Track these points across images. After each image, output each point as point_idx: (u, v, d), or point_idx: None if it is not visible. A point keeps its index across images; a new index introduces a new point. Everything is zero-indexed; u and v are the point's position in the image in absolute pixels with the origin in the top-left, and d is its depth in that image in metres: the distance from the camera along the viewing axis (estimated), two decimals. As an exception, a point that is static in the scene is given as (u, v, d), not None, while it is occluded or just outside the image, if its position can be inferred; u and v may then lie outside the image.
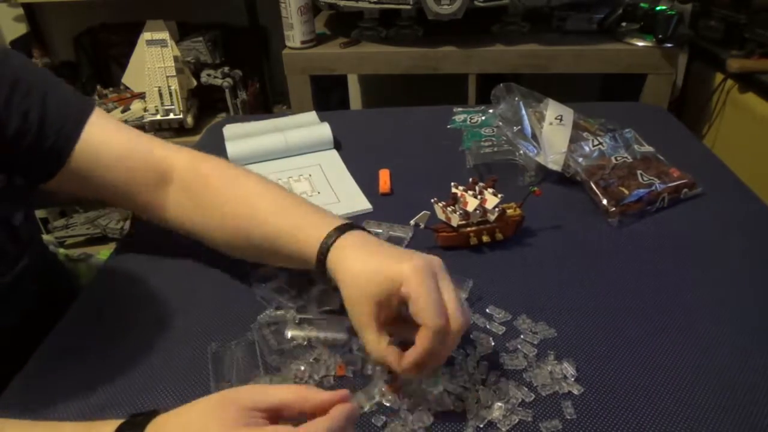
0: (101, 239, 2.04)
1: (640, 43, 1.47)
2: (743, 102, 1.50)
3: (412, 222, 0.67)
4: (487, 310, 0.62)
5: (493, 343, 0.58)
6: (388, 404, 0.52)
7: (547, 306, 0.63)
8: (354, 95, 2.14)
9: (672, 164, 0.84)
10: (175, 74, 1.88)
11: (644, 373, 0.54)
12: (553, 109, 0.89)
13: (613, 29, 1.51)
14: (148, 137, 0.68)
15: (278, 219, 0.60)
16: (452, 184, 0.72)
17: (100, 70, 2.24)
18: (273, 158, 0.97)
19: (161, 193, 0.66)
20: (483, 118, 0.99)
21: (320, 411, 0.41)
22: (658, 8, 1.45)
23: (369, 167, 0.91)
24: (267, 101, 2.13)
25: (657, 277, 0.67)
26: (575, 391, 0.53)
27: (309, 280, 0.64)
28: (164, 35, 1.88)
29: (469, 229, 0.71)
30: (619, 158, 0.83)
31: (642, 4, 1.47)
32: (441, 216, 0.72)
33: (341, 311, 0.61)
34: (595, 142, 0.85)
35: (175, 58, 1.89)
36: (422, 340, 0.47)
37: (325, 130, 1.00)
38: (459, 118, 1.02)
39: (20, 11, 2.15)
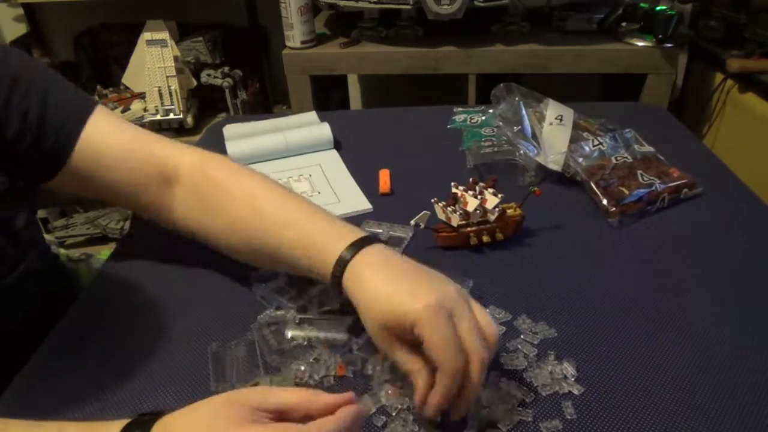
0: (101, 239, 2.04)
1: (640, 43, 1.47)
2: (743, 102, 1.50)
3: (412, 222, 0.67)
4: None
5: (493, 343, 0.58)
6: (388, 403, 0.52)
7: (547, 306, 0.63)
8: (354, 95, 2.14)
9: (672, 164, 0.84)
10: (175, 74, 1.88)
11: (644, 373, 0.54)
12: (553, 109, 0.89)
13: (613, 29, 1.51)
14: (153, 136, 0.67)
15: (289, 230, 0.58)
16: (452, 184, 0.72)
17: (100, 70, 2.24)
18: (273, 158, 0.97)
19: (166, 193, 0.65)
20: (483, 118, 0.99)
21: (326, 414, 0.41)
22: (658, 8, 1.45)
23: (369, 167, 0.91)
24: (267, 101, 2.13)
25: (657, 277, 0.67)
26: (575, 391, 0.53)
27: (309, 280, 0.64)
28: (164, 35, 1.88)
29: (469, 229, 0.71)
30: (619, 158, 0.83)
31: (642, 4, 1.47)
32: (441, 216, 0.72)
33: (341, 311, 0.61)
34: (595, 142, 0.85)
35: (175, 58, 1.89)
36: (440, 384, 0.46)
37: (325, 130, 1.00)
38: (459, 118, 1.02)
39: (20, 11, 2.15)
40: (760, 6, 1.46)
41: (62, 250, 0.94)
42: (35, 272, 0.66)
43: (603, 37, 1.52)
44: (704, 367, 0.55)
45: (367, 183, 0.88)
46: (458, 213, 0.69)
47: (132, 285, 0.70)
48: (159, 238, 0.72)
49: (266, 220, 0.60)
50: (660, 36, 1.41)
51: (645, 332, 0.59)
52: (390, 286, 0.49)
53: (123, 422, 0.42)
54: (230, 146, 0.96)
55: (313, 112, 1.09)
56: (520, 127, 0.87)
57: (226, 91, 2.01)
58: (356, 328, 0.58)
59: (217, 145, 1.00)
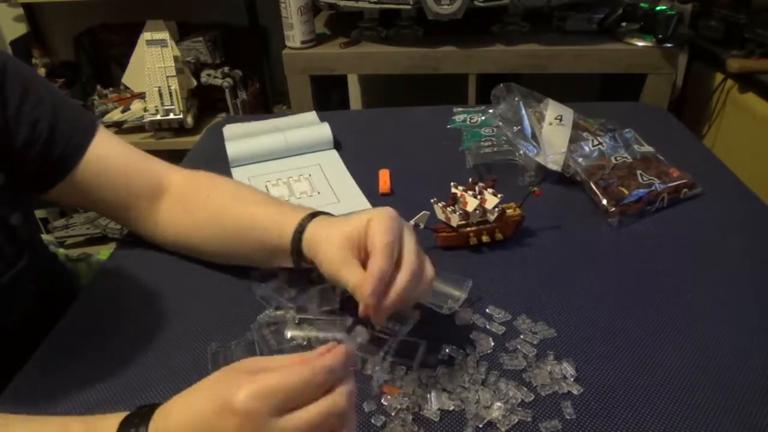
0: (101, 239, 2.05)
1: (640, 43, 1.47)
2: (743, 102, 1.50)
3: (411, 222, 0.67)
4: (487, 310, 0.62)
5: (492, 344, 0.58)
6: (387, 403, 0.52)
7: (547, 306, 0.63)
8: (354, 95, 2.14)
9: (672, 164, 0.84)
10: (175, 74, 1.88)
11: (644, 373, 0.54)
12: (553, 109, 0.89)
13: (613, 29, 1.51)
14: (147, 155, 0.72)
15: (256, 209, 0.64)
16: (452, 184, 0.72)
17: (100, 70, 2.24)
18: (273, 158, 0.97)
19: (155, 206, 0.69)
20: (483, 118, 0.99)
21: None
22: (658, 8, 1.45)
23: (369, 167, 0.91)
24: (267, 101, 2.13)
25: (657, 277, 0.67)
26: (575, 391, 0.53)
27: (309, 280, 0.64)
28: (164, 35, 1.88)
29: (468, 229, 0.71)
30: (618, 158, 0.83)
31: (642, 4, 1.47)
32: (441, 216, 0.72)
33: (341, 311, 0.61)
34: (595, 142, 0.85)
35: (175, 58, 1.89)
36: (371, 267, 0.49)
37: (325, 130, 1.00)
38: (459, 118, 1.02)
39: (20, 11, 2.16)
40: (760, 6, 1.46)
41: (61, 250, 0.94)
42: (33, 271, 0.66)
43: (603, 37, 1.52)
44: (704, 367, 0.55)
45: (366, 183, 0.88)
46: (458, 213, 0.69)
47: (132, 285, 0.70)
48: (159, 238, 0.72)
49: (239, 206, 0.66)
50: (660, 36, 1.41)
51: (644, 332, 0.59)
52: (347, 218, 0.55)
53: (123, 414, 0.42)
54: (230, 146, 0.96)
55: (313, 112, 1.09)
56: (519, 127, 0.87)
57: (226, 91, 2.01)
58: (356, 328, 0.59)
59: (217, 145, 1.00)
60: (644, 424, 0.49)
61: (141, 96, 1.98)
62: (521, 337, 0.59)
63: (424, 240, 0.72)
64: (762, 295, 0.64)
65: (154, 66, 1.88)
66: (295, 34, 1.56)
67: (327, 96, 1.77)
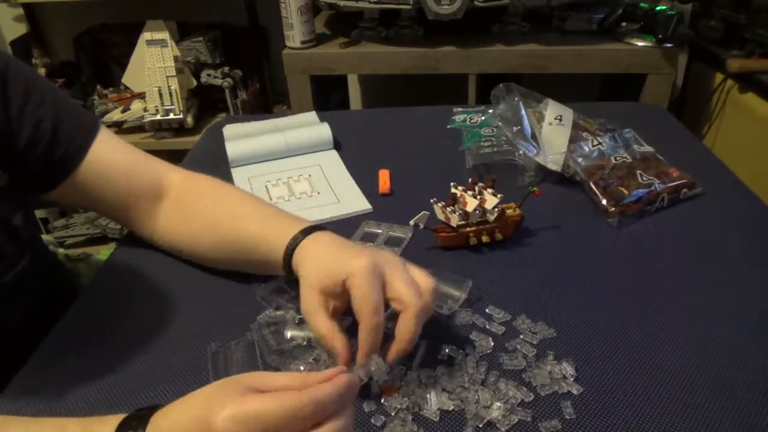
0: (101, 239, 2.04)
1: (640, 43, 1.47)
2: (743, 102, 1.50)
3: (411, 222, 0.67)
4: (487, 310, 0.62)
5: (492, 344, 0.58)
6: (387, 403, 0.52)
7: (547, 306, 0.63)
8: (354, 95, 2.14)
9: (672, 164, 0.84)
10: (175, 74, 1.88)
11: (643, 373, 0.54)
12: (552, 109, 0.89)
13: (613, 29, 1.51)
14: (147, 155, 0.72)
15: (251, 223, 0.63)
16: (452, 184, 0.72)
17: (100, 70, 2.25)
18: (273, 158, 0.97)
19: (155, 207, 0.69)
20: (483, 118, 0.99)
21: None
22: (658, 8, 1.45)
23: (369, 167, 0.91)
24: (267, 101, 2.13)
25: (656, 277, 0.67)
26: (574, 391, 0.53)
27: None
28: (164, 35, 1.88)
29: (468, 229, 0.71)
30: (618, 158, 0.83)
31: (642, 4, 1.47)
32: (441, 216, 0.72)
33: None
34: (595, 142, 0.85)
35: (175, 58, 1.89)
36: (360, 333, 0.50)
37: (325, 130, 1.00)
38: (459, 118, 1.02)
39: (20, 11, 2.16)
40: (760, 6, 1.46)
41: (61, 250, 0.94)
42: (34, 271, 0.66)
43: (603, 37, 1.52)
44: (703, 367, 0.55)
45: (366, 183, 0.88)
46: (458, 213, 0.69)
47: (132, 285, 0.70)
48: (159, 238, 0.72)
49: (235, 218, 0.65)
50: (660, 36, 1.41)
51: (644, 332, 0.59)
52: (335, 253, 0.54)
53: (121, 416, 0.42)
54: (230, 146, 0.96)
55: (313, 112, 1.09)
56: (519, 127, 0.87)
57: (226, 91, 2.01)
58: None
59: (217, 145, 1.00)
60: (644, 424, 0.49)
61: (141, 96, 1.98)
62: (521, 337, 0.59)
63: (424, 240, 0.72)
64: (762, 295, 0.64)
65: (154, 66, 1.88)
66: (295, 34, 1.56)
67: (327, 96, 1.77)
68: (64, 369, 0.58)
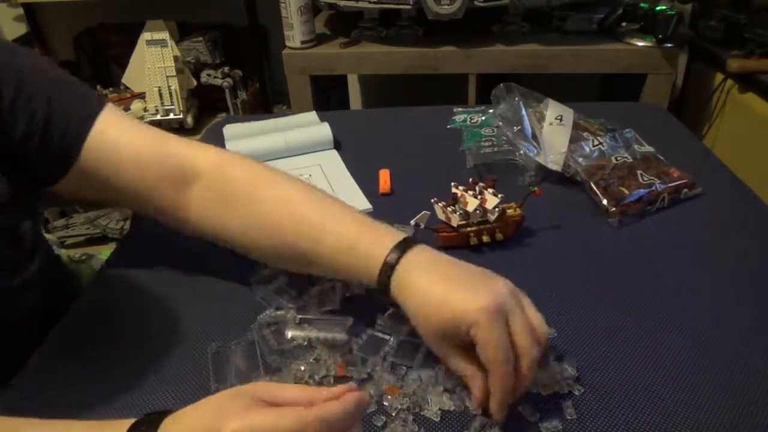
0: (101, 239, 2.04)
1: (640, 43, 1.47)
2: (743, 102, 1.50)
3: (412, 222, 0.67)
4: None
5: (493, 343, 0.58)
6: (388, 403, 0.52)
7: (547, 306, 0.62)
8: (354, 95, 2.14)
9: (672, 164, 0.84)
10: (175, 74, 1.88)
11: (644, 373, 0.54)
12: (553, 109, 0.89)
13: (613, 29, 1.51)
14: (168, 135, 0.65)
15: (328, 236, 0.57)
16: (452, 184, 0.72)
17: (100, 70, 2.24)
18: (273, 158, 0.97)
19: (181, 193, 0.63)
20: (483, 118, 0.99)
21: None
22: (658, 8, 1.45)
23: (369, 167, 0.91)
24: (267, 101, 2.13)
25: (657, 277, 0.67)
26: (575, 392, 0.53)
27: (309, 281, 0.64)
28: (164, 35, 1.88)
29: (469, 229, 0.71)
30: (619, 158, 0.83)
31: (642, 4, 1.47)
32: (441, 216, 0.72)
33: (341, 311, 0.61)
34: (595, 142, 0.85)
35: (175, 58, 1.89)
36: (494, 386, 0.47)
37: (325, 130, 1.00)
38: (459, 118, 1.02)
39: (20, 11, 2.15)
40: (760, 6, 1.46)
41: (63, 251, 0.94)
42: (41, 275, 0.66)
43: (603, 37, 1.52)
44: (704, 366, 0.55)
45: (367, 183, 0.88)
46: (458, 213, 0.69)
47: (132, 285, 0.70)
48: (159, 238, 0.72)
49: (302, 225, 0.59)
50: (660, 36, 1.41)
51: (645, 332, 0.59)
52: (441, 288, 0.50)
53: (130, 421, 0.42)
54: (230, 146, 0.96)
55: (313, 112, 1.09)
56: (520, 127, 0.87)
57: (226, 91, 2.01)
58: (356, 328, 0.59)
59: (217, 145, 0.99)
60: (645, 424, 0.49)
61: (141, 96, 1.98)
62: (521, 337, 0.59)
63: (425, 240, 0.72)
64: (762, 295, 0.64)
65: (154, 66, 1.88)
66: (295, 34, 1.56)
67: (327, 96, 1.77)
68: (64, 369, 0.58)
